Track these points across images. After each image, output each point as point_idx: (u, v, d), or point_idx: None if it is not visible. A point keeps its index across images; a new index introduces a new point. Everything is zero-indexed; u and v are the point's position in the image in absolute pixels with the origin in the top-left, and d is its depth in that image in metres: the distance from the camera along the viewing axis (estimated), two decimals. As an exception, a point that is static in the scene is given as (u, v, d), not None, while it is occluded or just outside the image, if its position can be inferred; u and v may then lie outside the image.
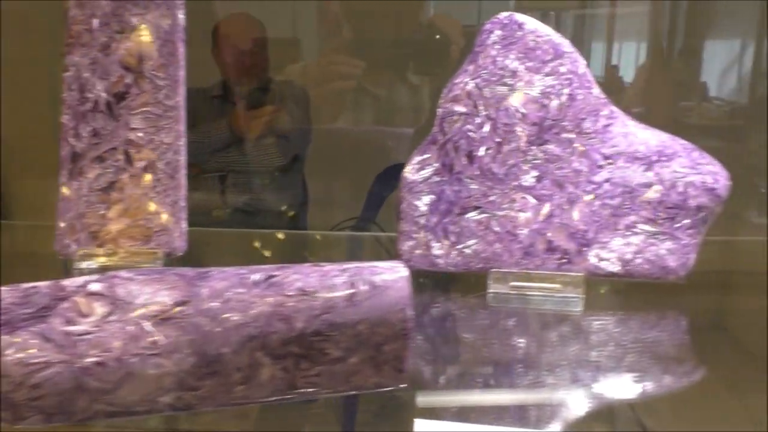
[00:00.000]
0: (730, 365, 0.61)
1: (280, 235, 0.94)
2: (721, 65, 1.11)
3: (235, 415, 0.48)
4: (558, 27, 1.29)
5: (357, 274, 0.45)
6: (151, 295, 0.42)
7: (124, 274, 0.43)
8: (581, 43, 1.25)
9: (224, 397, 0.42)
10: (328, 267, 0.45)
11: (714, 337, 0.67)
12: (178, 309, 0.41)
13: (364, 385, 0.45)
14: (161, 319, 0.41)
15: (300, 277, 0.44)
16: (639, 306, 0.67)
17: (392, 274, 0.45)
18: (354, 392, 0.45)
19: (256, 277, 0.44)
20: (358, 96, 1.19)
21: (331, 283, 0.44)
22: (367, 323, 0.44)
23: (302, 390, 0.44)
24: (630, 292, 0.69)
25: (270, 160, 1.29)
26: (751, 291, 0.76)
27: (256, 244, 0.93)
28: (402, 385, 0.46)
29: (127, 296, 0.41)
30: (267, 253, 0.91)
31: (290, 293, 0.43)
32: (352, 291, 0.44)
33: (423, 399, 0.53)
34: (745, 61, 1.09)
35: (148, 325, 0.41)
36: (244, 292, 0.43)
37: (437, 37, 1.16)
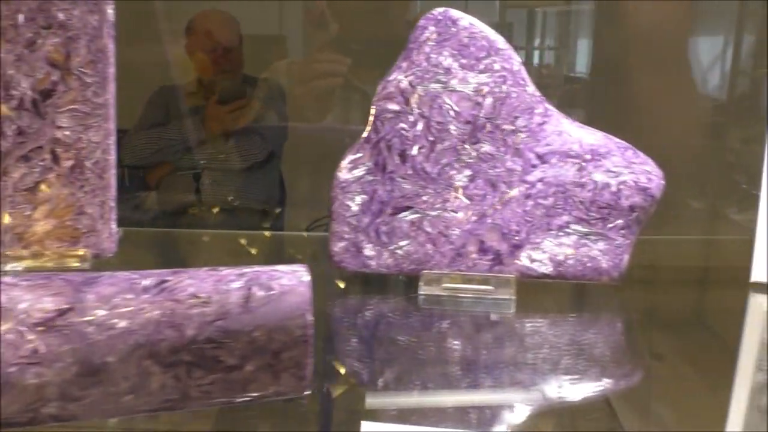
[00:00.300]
0: (707, 362, 0.60)
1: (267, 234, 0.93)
2: (702, 62, 1.11)
3: (197, 416, 0.46)
4: (545, 25, 1.28)
5: (254, 278, 0.43)
6: (34, 301, 0.40)
7: (8, 279, 0.41)
8: (567, 41, 1.24)
9: (111, 406, 0.41)
10: (226, 271, 0.44)
11: (693, 334, 0.67)
12: (61, 316, 0.40)
13: (264, 394, 0.43)
14: (43, 326, 0.39)
15: (194, 282, 0.42)
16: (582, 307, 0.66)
17: (292, 278, 0.44)
18: (252, 401, 0.44)
19: (146, 282, 0.42)
20: (347, 93, 1.17)
21: (226, 288, 0.42)
22: (263, 330, 0.42)
23: (196, 399, 0.42)
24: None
25: (244, 156, 1.28)
26: (730, 287, 0.75)
27: (242, 241, 0.92)
28: (305, 393, 0.45)
29: (8, 303, 0.40)
30: (254, 251, 0.89)
31: (182, 299, 0.42)
32: (247, 296, 0.42)
33: (372, 401, 0.52)
34: (726, 58, 1.09)
35: (28, 333, 0.39)
36: (133, 298, 0.41)
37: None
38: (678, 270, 0.64)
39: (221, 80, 1.25)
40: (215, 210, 1.25)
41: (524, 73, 0.66)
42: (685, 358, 0.62)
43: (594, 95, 1.12)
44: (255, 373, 0.42)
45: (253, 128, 1.27)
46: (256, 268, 0.44)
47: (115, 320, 0.40)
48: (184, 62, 1.26)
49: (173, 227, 1.28)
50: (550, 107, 0.65)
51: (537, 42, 1.32)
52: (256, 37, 1.24)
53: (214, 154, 1.26)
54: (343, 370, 0.57)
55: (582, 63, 1.23)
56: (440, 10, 0.67)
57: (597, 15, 1.18)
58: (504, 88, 0.65)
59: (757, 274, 0.66)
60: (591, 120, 0.65)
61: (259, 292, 0.42)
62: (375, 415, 0.50)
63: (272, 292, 0.43)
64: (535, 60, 1.36)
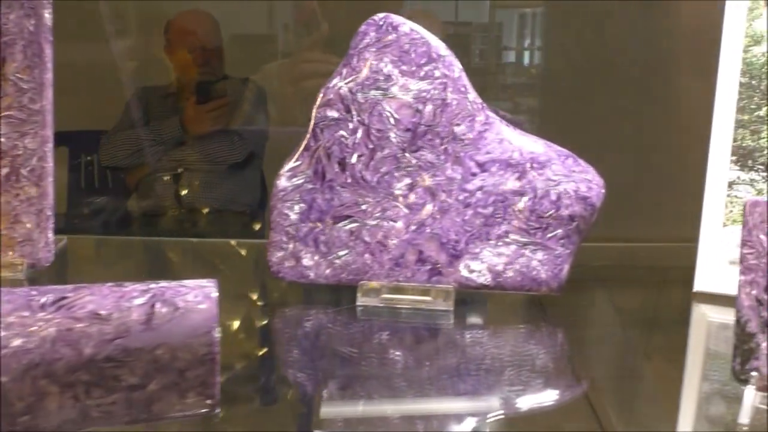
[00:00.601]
0: (652, 372, 0.59)
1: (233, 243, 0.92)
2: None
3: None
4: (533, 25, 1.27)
5: (158, 295, 0.42)
6: (-75, 319, 0.39)
7: None
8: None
9: (7, 428, 0.40)
10: (130, 287, 0.43)
11: (638, 343, 0.66)
12: (-48, 335, 0.38)
13: (169, 413, 0.42)
14: (-68, 345, 0.38)
15: (94, 299, 0.41)
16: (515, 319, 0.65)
17: (198, 295, 0.42)
18: (158, 420, 0.42)
19: (44, 299, 0.41)
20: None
21: (128, 305, 0.41)
22: (166, 348, 0.41)
23: (98, 419, 0.41)
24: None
25: (223, 157, 1.26)
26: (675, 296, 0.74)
27: (232, 242, 0.91)
28: (214, 411, 0.43)
29: None
30: (243, 251, 0.88)
31: (80, 316, 0.40)
32: (150, 313, 0.41)
33: (327, 410, 0.51)
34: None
35: None
36: (28, 316, 0.40)
37: None
38: (623, 276, 0.63)
39: (201, 80, 1.24)
40: (205, 210, 1.24)
41: (465, 80, 0.65)
42: (627, 368, 0.61)
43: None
44: (159, 392, 0.41)
45: (232, 127, 1.25)
46: (163, 283, 0.43)
47: (10, 338, 0.39)
48: (165, 63, 1.25)
49: (151, 229, 1.27)
50: (492, 114, 0.64)
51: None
52: (246, 36, 1.23)
53: (193, 155, 1.25)
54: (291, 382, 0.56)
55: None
56: (381, 15, 0.66)
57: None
58: (444, 95, 0.64)
59: (699, 284, 0.65)
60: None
61: (163, 309, 0.41)
62: (329, 425, 0.50)
63: (177, 309, 0.41)
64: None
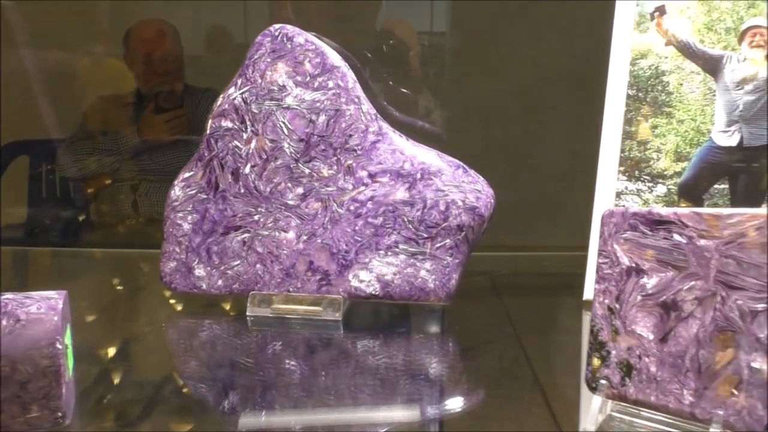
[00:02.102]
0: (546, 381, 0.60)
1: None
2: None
3: None
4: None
5: (2, 307, 0.42)
6: None
7: None
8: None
9: None
10: (-27, 299, 0.42)
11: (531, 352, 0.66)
12: None
13: (13, 426, 0.42)
14: None
15: (-68, 310, 0.41)
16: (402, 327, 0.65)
17: (42, 306, 0.42)
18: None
19: None
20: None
21: (-33, 317, 0.41)
22: (7, 360, 0.41)
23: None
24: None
25: (181, 166, 1.25)
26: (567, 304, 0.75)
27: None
28: (64, 424, 0.43)
29: None
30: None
31: None
32: (-11, 325, 0.41)
33: (245, 420, 0.50)
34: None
35: None
36: None
37: (391, 42, 1.13)
38: (517, 284, 0.64)
39: (159, 89, 1.23)
40: (152, 220, 1.23)
41: (359, 91, 0.65)
42: (516, 375, 0.61)
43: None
44: (1, 404, 0.41)
45: (192, 138, 1.24)
46: (8, 295, 0.43)
47: None
48: (124, 72, 1.24)
49: (109, 239, 1.25)
50: (385, 125, 0.65)
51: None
52: (222, 44, 1.22)
53: (151, 164, 1.24)
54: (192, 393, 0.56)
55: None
56: (277, 26, 0.67)
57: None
58: (338, 105, 0.64)
59: (590, 292, 0.66)
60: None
61: (3, 321, 0.41)
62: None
63: (18, 321, 0.41)
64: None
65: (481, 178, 0.64)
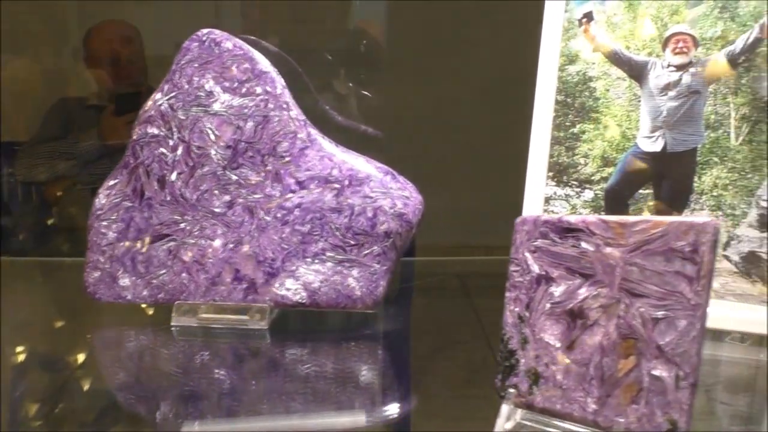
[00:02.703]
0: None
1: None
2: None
3: None
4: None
5: None
6: None
7: None
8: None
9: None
10: None
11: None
12: None
13: None
14: None
15: None
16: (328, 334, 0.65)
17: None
18: None
19: None
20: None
21: None
22: None
23: None
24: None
25: None
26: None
27: None
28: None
29: None
30: None
31: None
32: None
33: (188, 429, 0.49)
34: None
35: None
36: None
37: (363, 42, 1.12)
38: (452, 288, 0.64)
39: (119, 92, 1.21)
40: None
41: (288, 97, 0.64)
42: (446, 382, 0.61)
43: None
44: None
45: None
46: None
47: None
48: (85, 74, 1.22)
49: (71, 246, 1.23)
50: (314, 131, 0.64)
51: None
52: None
53: (112, 167, 1.22)
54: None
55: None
56: (205, 31, 0.66)
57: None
58: (266, 112, 0.64)
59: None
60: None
61: None
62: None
63: None
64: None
65: (410, 185, 0.64)
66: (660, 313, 0.41)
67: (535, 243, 0.46)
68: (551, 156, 0.65)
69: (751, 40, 0.60)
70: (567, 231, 0.45)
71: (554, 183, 0.65)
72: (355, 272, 0.62)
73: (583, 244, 0.45)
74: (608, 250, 0.44)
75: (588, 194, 0.64)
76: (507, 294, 0.47)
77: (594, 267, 0.44)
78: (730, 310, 0.59)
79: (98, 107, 1.25)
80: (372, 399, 0.56)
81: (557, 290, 0.45)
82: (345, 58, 1.09)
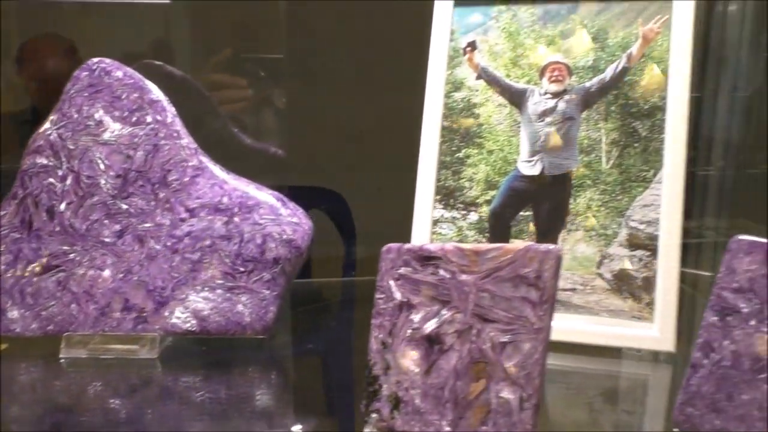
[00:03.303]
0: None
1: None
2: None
3: None
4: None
5: None
6: None
7: None
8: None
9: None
10: None
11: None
12: None
13: None
14: None
15: None
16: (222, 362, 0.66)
17: None
18: None
19: None
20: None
21: None
22: None
23: None
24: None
25: None
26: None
27: None
28: None
29: None
30: None
31: None
32: None
33: None
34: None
35: None
36: None
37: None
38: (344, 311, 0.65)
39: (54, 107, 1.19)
40: None
41: (179, 125, 0.65)
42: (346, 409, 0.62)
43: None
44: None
45: None
46: None
47: None
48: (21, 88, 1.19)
49: None
50: (205, 159, 0.65)
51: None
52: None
53: None
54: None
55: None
56: (95, 60, 0.66)
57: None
58: (157, 140, 0.64)
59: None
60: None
61: None
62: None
63: None
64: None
65: (300, 210, 0.65)
66: (507, 338, 0.43)
67: (399, 271, 0.48)
68: (438, 179, 0.68)
69: (619, 68, 0.63)
70: (427, 259, 0.47)
71: (442, 206, 0.67)
72: (244, 299, 0.63)
73: (441, 272, 0.47)
74: (463, 276, 0.46)
75: (473, 216, 0.66)
76: (372, 321, 0.48)
77: (450, 293, 0.46)
78: (605, 326, 0.61)
79: (32, 123, 1.23)
80: (267, 423, 0.57)
81: (417, 316, 0.47)
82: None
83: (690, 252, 0.98)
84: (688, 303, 0.72)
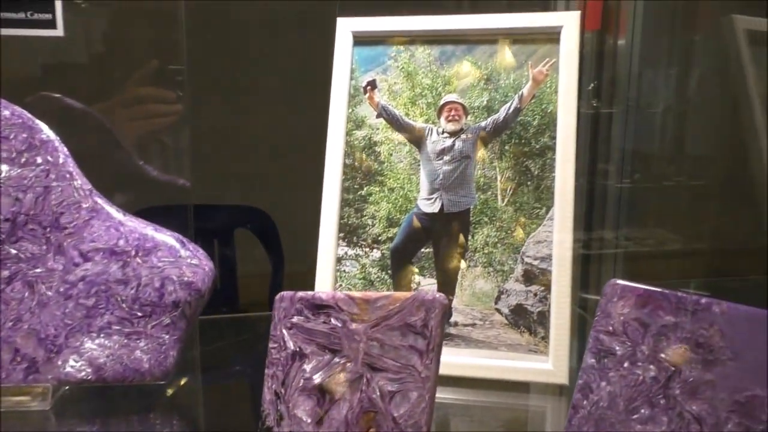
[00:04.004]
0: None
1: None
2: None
3: None
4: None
5: None
6: None
7: None
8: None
9: None
10: None
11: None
12: None
13: None
14: None
15: None
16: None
17: None
18: None
19: None
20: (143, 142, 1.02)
21: None
22: None
23: None
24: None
25: None
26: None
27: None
28: None
29: None
30: None
31: None
32: None
33: None
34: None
35: None
36: None
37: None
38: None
39: None
40: None
41: (71, 166, 0.63)
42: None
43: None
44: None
45: None
46: None
47: None
48: None
49: None
50: (100, 200, 0.64)
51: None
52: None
53: None
54: None
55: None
56: (-18, 103, 0.63)
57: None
58: (47, 182, 0.62)
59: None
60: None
61: None
62: None
63: None
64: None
65: (201, 252, 0.64)
66: (395, 386, 0.44)
67: (292, 320, 0.48)
68: (342, 217, 0.68)
69: (511, 109, 0.66)
70: (319, 307, 0.48)
71: (345, 243, 0.68)
72: (142, 344, 0.61)
73: (333, 320, 0.47)
74: (353, 325, 0.46)
75: (376, 254, 0.67)
76: (266, 371, 0.48)
77: (341, 342, 0.46)
78: (504, 360, 0.63)
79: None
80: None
81: (309, 366, 0.47)
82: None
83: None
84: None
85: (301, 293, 0.49)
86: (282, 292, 0.49)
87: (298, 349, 0.47)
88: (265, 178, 1.02)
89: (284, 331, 0.48)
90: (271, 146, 1.02)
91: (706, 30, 1.00)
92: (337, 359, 0.46)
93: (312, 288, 0.68)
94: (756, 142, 0.82)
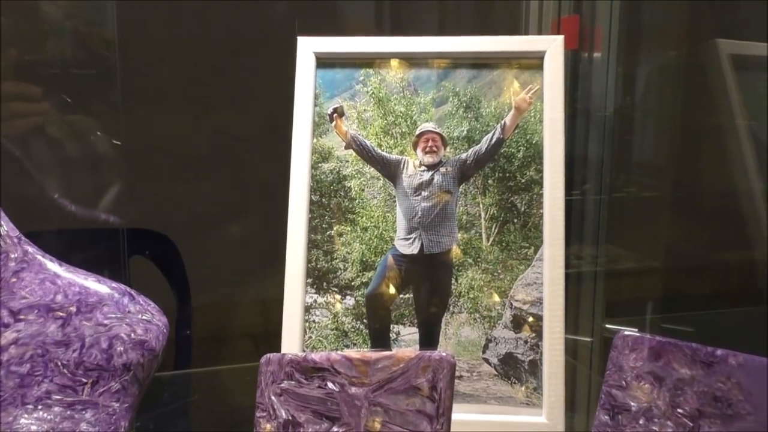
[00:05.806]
0: None
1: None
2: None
3: None
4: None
5: None
6: None
7: None
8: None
9: None
10: None
11: None
12: None
13: None
14: None
15: None
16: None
17: None
18: None
19: None
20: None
21: None
22: None
23: None
24: None
25: None
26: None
27: None
28: None
29: None
30: None
31: None
32: None
33: None
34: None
35: None
36: None
37: None
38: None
39: None
40: None
41: (-2, 211, 0.64)
42: None
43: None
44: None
45: None
46: None
47: None
48: None
49: None
50: (32, 249, 0.64)
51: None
52: None
53: None
54: None
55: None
56: None
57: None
58: (-31, 230, 0.62)
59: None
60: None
61: None
62: None
63: None
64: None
65: (152, 305, 0.65)
66: (406, 456, 0.48)
67: (281, 385, 0.51)
68: (309, 261, 0.71)
69: (494, 140, 0.71)
70: (313, 370, 0.51)
71: (314, 290, 0.71)
72: (88, 415, 0.62)
73: (329, 384, 0.50)
74: (353, 390, 0.49)
75: (349, 301, 0.71)
76: (253, 441, 0.51)
77: (340, 409, 0.49)
78: (494, 414, 0.68)
79: None
80: None
81: (305, 437, 0.50)
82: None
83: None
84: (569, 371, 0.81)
85: (289, 355, 0.51)
86: (268, 354, 0.52)
87: (290, 418, 0.50)
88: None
89: (273, 397, 0.51)
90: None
91: (679, 48, 1.09)
92: (336, 428, 0.49)
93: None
94: (743, 166, 0.91)
